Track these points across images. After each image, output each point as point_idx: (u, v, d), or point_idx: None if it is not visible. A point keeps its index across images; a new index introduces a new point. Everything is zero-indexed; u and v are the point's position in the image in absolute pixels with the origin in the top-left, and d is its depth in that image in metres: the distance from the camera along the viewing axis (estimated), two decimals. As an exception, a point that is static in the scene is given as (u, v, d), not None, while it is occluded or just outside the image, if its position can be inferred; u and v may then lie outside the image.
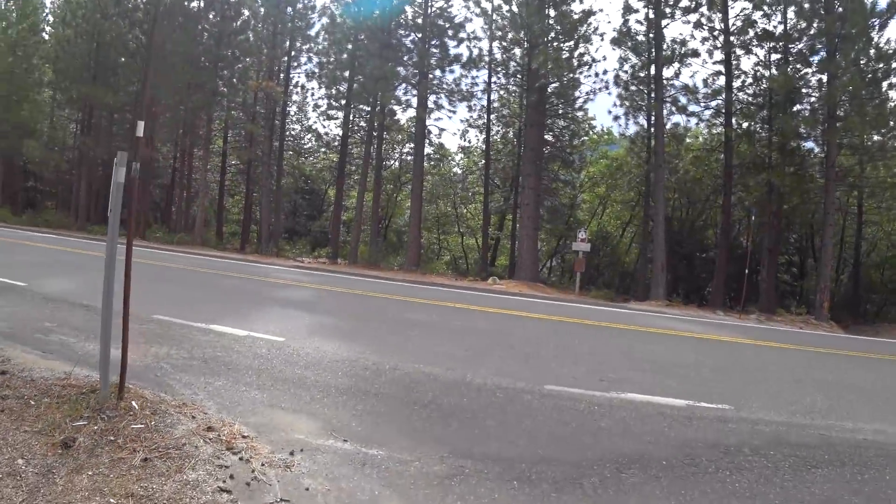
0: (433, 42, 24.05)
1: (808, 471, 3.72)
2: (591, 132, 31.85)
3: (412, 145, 32.04)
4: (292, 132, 36.77)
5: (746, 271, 16.36)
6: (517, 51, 26.04)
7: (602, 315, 11.73)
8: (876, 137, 20.47)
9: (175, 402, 3.93)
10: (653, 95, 21.94)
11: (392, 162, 38.16)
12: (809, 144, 22.09)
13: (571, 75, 25.35)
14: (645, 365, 6.52)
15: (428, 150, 35.56)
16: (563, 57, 22.65)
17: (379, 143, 26.35)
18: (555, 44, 22.07)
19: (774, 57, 21.38)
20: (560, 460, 3.60)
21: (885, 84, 18.57)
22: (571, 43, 24.31)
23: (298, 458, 3.29)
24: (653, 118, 22.78)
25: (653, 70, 22.21)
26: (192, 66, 26.13)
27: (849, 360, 8.88)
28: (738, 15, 22.44)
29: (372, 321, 7.86)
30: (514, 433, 4.03)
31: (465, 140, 32.30)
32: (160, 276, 11.52)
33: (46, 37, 33.02)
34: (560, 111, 27.57)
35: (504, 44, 26.23)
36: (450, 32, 23.62)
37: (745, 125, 22.68)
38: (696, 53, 22.95)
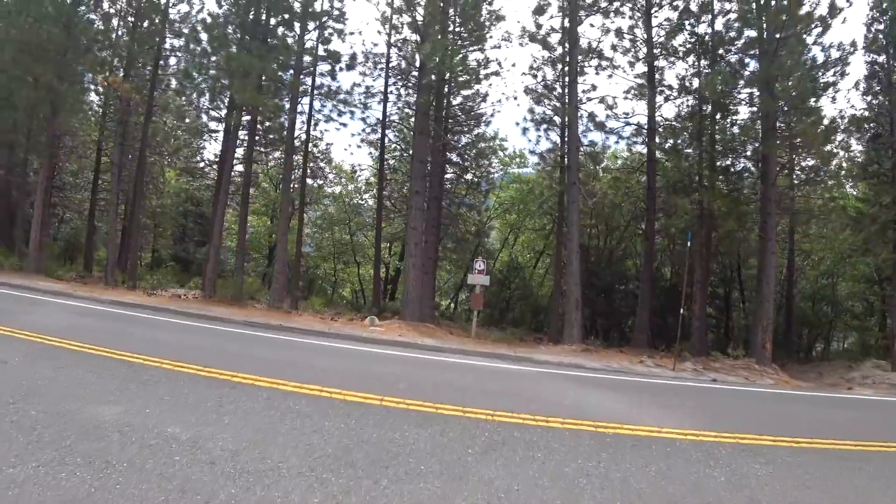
0: (318, 39, 19.99)
1: None
2: (500, 153, 28.65)
3: (315, 164, 27.88)
4: (165, 145, 31.24)
5: (682, 310, 12.82)
6: (418, 57, 22.59)
7: (485, 380, 7.75)
8: (810, 162, 18.26)
9: None
10: (566, 101, 18.65)
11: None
12: (741, 165, 19.57)
13: (477, 86, 22.26)
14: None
15: (330, 172, 31.67)
16: (462, 56, 19.16)
17: (248, 158, 21.73)
18: (447, 28, 18.53)
19: (704, 63, 18.77)
20: None
21: (824, 98, 16.27)
22: (479, 51, 21.24)
23: None
24: (566, 130, 19.62)
25: (566, 79, 19.13)
26: (31, 55, 20.70)
27: None
28: (661, 24, 20.08)
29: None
30: None
31: (372, 160, 28.23)
32: None
33: None
34: (465, 128, 24.19)
35: (405, 52, 22.78)
36: (332, 25, 19.67)
37: (670, 142, 19.79)
38: (614, 65, 20.34)
